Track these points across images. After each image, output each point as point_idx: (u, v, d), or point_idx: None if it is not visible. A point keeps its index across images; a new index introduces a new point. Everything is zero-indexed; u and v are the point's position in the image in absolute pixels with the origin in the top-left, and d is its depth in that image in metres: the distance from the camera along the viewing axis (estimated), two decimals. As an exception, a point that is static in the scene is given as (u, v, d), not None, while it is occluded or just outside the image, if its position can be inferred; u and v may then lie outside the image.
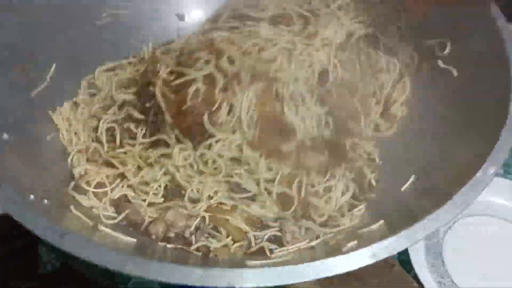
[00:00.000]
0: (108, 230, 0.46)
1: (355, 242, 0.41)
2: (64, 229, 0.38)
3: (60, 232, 0.37)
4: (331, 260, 0.36)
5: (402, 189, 0.53)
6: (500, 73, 0.50)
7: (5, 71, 0.53)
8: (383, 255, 0.36)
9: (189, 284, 0.34)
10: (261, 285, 0.34)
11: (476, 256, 0.67)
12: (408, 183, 0.53)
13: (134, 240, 0.47)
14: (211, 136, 0.53)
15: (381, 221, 0.47)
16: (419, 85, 0.63)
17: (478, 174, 0.41)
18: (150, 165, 0.55)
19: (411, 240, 0.37)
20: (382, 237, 0.37)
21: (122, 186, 0.54)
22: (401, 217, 0.45)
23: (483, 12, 0.55)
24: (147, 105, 0.57)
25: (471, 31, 0.56)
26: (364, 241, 0.41)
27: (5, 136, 0.49)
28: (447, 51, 0.60)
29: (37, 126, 0.56)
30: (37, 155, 0.52)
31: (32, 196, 0.43)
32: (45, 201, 0.45)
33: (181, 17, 0.75)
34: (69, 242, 0.37)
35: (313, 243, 0.49)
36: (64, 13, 0.63)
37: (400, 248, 0.36)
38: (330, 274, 0.35)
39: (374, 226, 0.47)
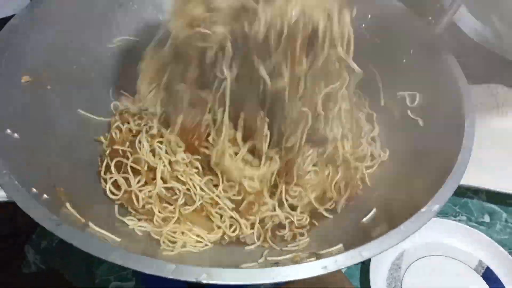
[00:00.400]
0: (96, 228, 0.52)
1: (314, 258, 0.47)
2: (58, 220, 0.43)
3: (57, 222, 0.43)
4: (287, 268, 0.42)
5: (364, 220, 0.60)
6: (455, 127, 0.57)
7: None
8: (332, 268, 0.42)
9: (163, 275, 0.40)
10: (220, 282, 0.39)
11: (432, 292, 0.72)
12: (369, 215, 0.60)
13: (119, 239, 0.52)
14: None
15: (340, 244, 0.53)
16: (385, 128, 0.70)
17: (423, 209, 0.47)
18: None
19: (356, 258, 0.43)
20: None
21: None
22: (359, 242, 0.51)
23: (448, 72, 0.63)
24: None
25: (436, 88, 0.64)
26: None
27: (16, 135, 0.55)
28: (415, 103, 0.68)
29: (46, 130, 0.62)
30: (44, 155, 0.58)
31: (34, 190, 0.49)
32: (45, 195, 0.50)
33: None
34: (63, 230, 0.42)
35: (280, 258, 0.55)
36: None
37: (346, 264, 0.42)
38: (283, 279, 0.41)
39: (334, 248, 0.53)
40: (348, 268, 0.75)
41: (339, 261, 0.42)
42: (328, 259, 0.42)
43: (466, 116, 0.57)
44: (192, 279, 0.39)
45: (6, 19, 0.78)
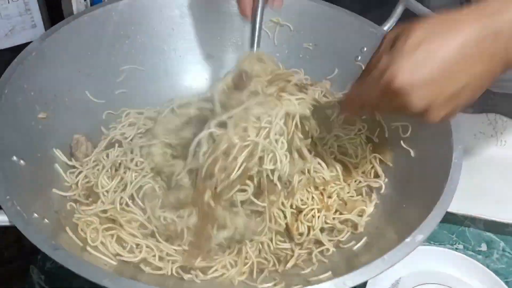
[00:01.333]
0: (93, 252, 0.54)
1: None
2: (57, 245, 0.46)
3: (54, 247, 0.45)
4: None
5: (354, 248, 0.61)
6: (443, 159, 0.59)
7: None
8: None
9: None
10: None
11: (427, 321, 0.73)
12: (360, 243, 0.62)
13: (115, 263, 0.54)
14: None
15: (329, 272, 0.55)
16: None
17: (407, 239, 0.49)
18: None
19: (340, 287, 0.44)
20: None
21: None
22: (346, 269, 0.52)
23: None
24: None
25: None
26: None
27: (22, 162, 0.58)
28: (408, 133, 0.70)
29: (47, 157, 0.65)
30: (46, 184, 0.61)
31: (36, 215, 0.51)
32: (46, 220, 0.53)
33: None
34: (60, 255, 0.45)
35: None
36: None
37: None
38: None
39: (323, 276, 0.54)
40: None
41: (321, 289, 0.44)
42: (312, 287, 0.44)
43: (454, 149, 0.59)
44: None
45: (20, 47, 0.83)
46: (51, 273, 0.87)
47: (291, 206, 0.64)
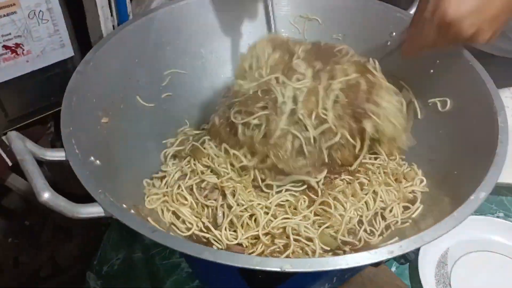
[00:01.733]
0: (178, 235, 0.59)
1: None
2: (154, 227, 0.50)
3: (152, 229, 0.49)
4: (356, 255, 0.47)
5: (414, 215, 0.65)
6: (489, 124, 0.63)
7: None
8: (398, 253, 0.47)
9: (251, 267, 0.45)
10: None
11: (480, 286, 0.76)
12: (418, 211, 0.66)
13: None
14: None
15: (396, 237, 0.59)
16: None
17: (472, 197, 0.52)
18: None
19: (418, 242, 0.48)
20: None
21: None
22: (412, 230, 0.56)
23: (475, 76, 0.69)
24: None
25: (466, 91, 0.71)
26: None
27: (98, 162, 0.62)
28: (448, 107, 0.74)
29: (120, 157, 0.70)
30: (123, 180, 0.66)
31: (124, 205, 0.55)
32: (132, 211, 0.57)
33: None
34: (158, 235, 0.49)
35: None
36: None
37: (410, 248, 0.48)
38: (354, 265, 0.46)
39: (390, 242, 0.58)
40: (397, 268, 0.80)
41: (404, 245, 0.48)
42: (394, 245, 0.48)
43: (498, 114, 0.62)
44: (277, 268, 0.45)
45: (51, 67, 0.87)
46: (108, 276, 0.90)
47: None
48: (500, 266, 0.79)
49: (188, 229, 0.65)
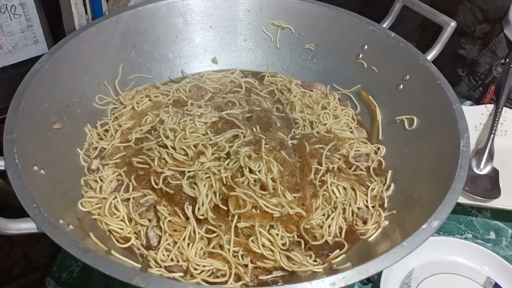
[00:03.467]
0: (118, 255, 0.56)
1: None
2: (85, 248, 0.47)
3: (83, 250, 0.46)
4: (301, 284, 0.45)
5: (370, 239, 0.63)
6: (451, 147, 0.61)
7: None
8: (340, 284, 0.45)
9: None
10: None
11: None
12: (375, 234, 0.63)
13: (139, 265, 0.56)
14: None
15: (348, 263, 0.56)
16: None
17: (424, 226, 0.50)
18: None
19: (363, 274, 0.46)
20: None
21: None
22: (362, 259, 0.54)
23: (443, 96, 0.67)
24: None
25: (432, 111, 0.69)
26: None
27: (42, 171, 0.59)
28: (414, 126, 0.72)
29: (66, 166, 0.66)
30: (66, 191, 0.62)
31: (61, 221, 0.53)
32: (71, 226, 0.54)
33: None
34: (89, 257, 0.46)
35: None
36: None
37: (354, 280, 0.45)
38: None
39: (342, 267, 0.56)
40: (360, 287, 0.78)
41: (347, 277, 0.45)
42: (336, 276, 0.45)
43: (461, 137, 0.60)
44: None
45: (23, 63, 0.85)
46: (67, 283, 0.87)
47: None
48: (461, 289, 0.77)
49: (127, 239, 0.62)
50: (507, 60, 0.99)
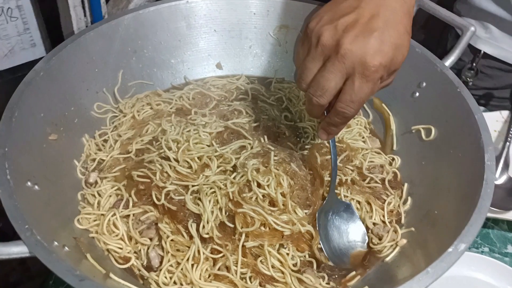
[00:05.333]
0: (117, 279, 0.52)
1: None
2: (82, 275, 0.43)
3: (80, 277, 0.43)
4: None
5: (387, 259, 0.59)
6: (475, 161, 0.57)
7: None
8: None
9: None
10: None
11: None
12: (393, 253, 0.59)
13: (141, 290, 0.52)
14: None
15: (366, 287, 0.52)
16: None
17: (449, 249, 0.46)
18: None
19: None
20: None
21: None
22: (382, 283, 0.50)
23: (463, 105, 0.63)
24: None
25: (452, 121, 0.64)
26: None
27: (36, 187, 0.55)
28: (432, 136, 0.68)
29: (61, 180, 0.62)
30: (62, 207, 0.58)
31: (56, 243, 0.49)
32: (66, 248, 0.50)
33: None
34: (86, 286, 0.42)
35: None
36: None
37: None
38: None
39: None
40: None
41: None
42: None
43: (485, 150, 0.56)
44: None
45: (20, 67, 0.81)
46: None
47: None
48: (482, 307, 0.73)
49: (127, 260, 0.58)
50: (474, 64, 0.97)
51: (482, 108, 1.03)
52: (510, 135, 0.89)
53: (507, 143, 0.88)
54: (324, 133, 0.58)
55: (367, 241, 0.61)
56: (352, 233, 0.61)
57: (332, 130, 0.57)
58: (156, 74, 0.82)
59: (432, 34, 1.41)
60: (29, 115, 0.60)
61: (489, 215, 0.79)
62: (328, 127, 0.56)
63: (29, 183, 0.54)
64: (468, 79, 1.00)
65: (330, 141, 0.62)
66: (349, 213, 0.63)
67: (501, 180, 0.85)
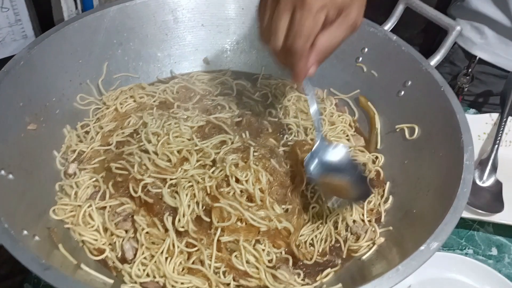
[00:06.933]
0: (88, 270, 0.51)
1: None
2: (47, 264, 0.43)
3: (44, 266, 0.42)
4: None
5: (364, 257, 0.58)
6: (454, 160, 0.56)
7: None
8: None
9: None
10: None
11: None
12: (370, 252, 0.58)
13: (112, 281, 0.51)
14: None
15: (339, 284, 0.52)
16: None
17: (422, 247, 0.46)
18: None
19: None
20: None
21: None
22: (355, 281, 0.49)
23: (446, 105, 0.63)
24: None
25: (435, 121, 0.64)
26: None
27: (10, 176, 0.55)
28: (415, 135, 0.67)
29: (39, 170, 0.62)
30: (38, 197, 0.58)
31: (26, 232, 0.48)
32: (36, 237, 0.50)
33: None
34: (50, 275, 0.41)
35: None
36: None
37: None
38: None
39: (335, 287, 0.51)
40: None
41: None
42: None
43: (465, 150, 0.56)
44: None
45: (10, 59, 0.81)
46: (46, 288, 0.83)
47: None
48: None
49: (101, 251, 0.57)
50: (469, 70, 0.97)
51: (472, 110, 1.02)
52: (498, 138, 0.89)
53: (495, 146, 0.87)
54: (293, 78, 0.58)
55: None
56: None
57: (295, 73, 0.56)
58: (142, 67, 0.81)
59: (432, 37, 1.41)
60: (6, 104, 0.60)
61: (475, 217, 0.78)
62: (292, 72, 0.56)
63: (2, 172, 0.54)
64: (463, 85, 1.00)
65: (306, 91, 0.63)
66: (338, 150, 0.62)
67: (488, 183, 0.85)
